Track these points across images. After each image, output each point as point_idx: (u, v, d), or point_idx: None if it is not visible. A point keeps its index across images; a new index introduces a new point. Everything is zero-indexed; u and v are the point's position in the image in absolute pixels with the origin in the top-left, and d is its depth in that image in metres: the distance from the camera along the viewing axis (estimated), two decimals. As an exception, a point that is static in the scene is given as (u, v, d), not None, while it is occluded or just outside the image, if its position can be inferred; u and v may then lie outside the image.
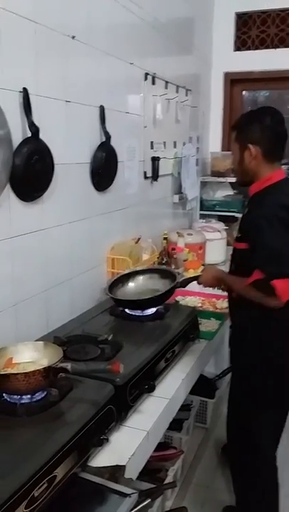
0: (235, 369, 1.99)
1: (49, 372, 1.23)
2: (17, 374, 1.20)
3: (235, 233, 3.50)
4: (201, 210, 3.95)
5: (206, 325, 2.14)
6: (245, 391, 1.88)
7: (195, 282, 2.07)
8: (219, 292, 2.17)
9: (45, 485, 1.05)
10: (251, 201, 1.83)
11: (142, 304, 1.93)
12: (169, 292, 1.98)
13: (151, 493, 1.72)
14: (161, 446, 1.94)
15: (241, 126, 1.82)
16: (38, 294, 1.82)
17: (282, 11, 3.82)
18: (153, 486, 1.80)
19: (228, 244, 3.44)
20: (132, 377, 1.43)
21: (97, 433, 1.25)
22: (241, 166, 1.82)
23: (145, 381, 1.49)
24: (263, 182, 1.78)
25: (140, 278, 2.18)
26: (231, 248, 3.35)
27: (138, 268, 2.25)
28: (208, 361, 2.12)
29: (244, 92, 4.27)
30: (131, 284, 2.15)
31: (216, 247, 3.24)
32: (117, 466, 1.27)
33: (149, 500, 1.64)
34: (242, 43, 3.99)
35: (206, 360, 2.07)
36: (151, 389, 1.50)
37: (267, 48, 3.91)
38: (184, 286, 2.09)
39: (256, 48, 3.95)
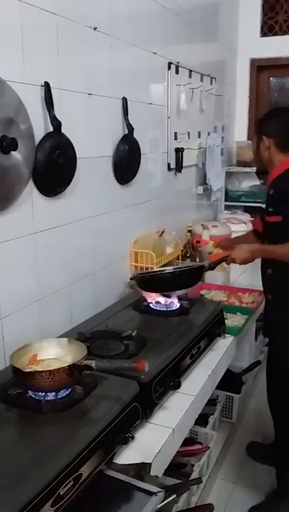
0: (278, 347, 2.04)
1: (73, 369, 1.22)
2: (42, 372, 1.20)
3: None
4: (226, 201, 3.89)
5: (232, 320, 2.11)
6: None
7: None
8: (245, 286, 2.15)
9: (71, 483, 1.05)
10: (276, 183, 1.94)
11: (170, 279, 1.90)
12: (198, 272, 1.98)
13: (177, 489, 1.72)
14: (187, 441, 1.92)
15: (261, 119, 2.05)
16: (61, 289, 1.81)
17: (310, -7, 3.70)
18: (179, 481, 1.80)
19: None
20: (157, 374, 1.42)
21: (122, 431, 1.24)
22: (259, 155, 2.03)
23: (170, 378, 1.48)
24: (282, 166, 1.94)
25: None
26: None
27: (162, 269, 2.21)
28: (234, 356, 2.09)
29: (271, 79, 4.16)
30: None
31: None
32: (142, 463, 1.26)
33: (175, 495, 1.64)
34: (269, 28, 3.89)
35: (232, 356, 2.04)
36: (177, 386, 1.48)
37: (295, 32, 3.80)
38: (213, 269, 2.09)
39: (284, 34, 3.85)
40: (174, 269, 1.99)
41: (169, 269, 2.01)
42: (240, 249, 1.96)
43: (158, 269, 2.09)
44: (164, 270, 1.98)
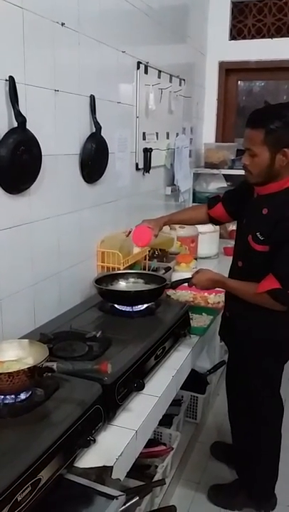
0: (235, 359, 2.03)
1: (34, 371, 1.19)
2: (1, 374, 1.16)
3: (229, 226, 3.51)
4: (193, 202, 3.90)
5: (198, 320, 2.11)
6: (252, 375, 1.94)
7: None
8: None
9: (29, 488, 1.02)
10: (274, 202, 1.72)
11: (130, 297, 1.89)
12: (160, 290, 1.95)
13: (140, 491, 1.71)
14: (151, 442, 1.91)
15: (275, 129, 1.63)
16: (25, 288, 1.77)
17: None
18: (141, 483, 1.79)
19: (221, 237, 3.42)
20: (121, 375, 1.40)
21: (83, 434, 1.22)
22: (268, 169, 1.69)
23: (134, 379, 1.47)
24: (286, 182, 1.72)
25: (129, 279, 2.16)
26: (224, 241, 3.37)
27: (127, 270, 2.22)
28: (199, 356, 2.10)
29: (239, 82, 4.21)
30: (121, 283, 2.12)
31: (209, 240, 3.20)
32: (104, 466, 1.24)
33: (137, 498, 1.63)
34: (238, 32, 3.93)
35: (197, 356, 2.04)
36: (141, 387, 1.47)
37: (263, 37, 3.87)
38: (174, 288, 2.07)
39: (252, 37, 3.90)
40: (135, 291, 1.98)
41: (129, 286, 2.03)
42: (203, 275, 1.89)
43: (117, 287, 2.10)
44: (123, 289, 1.99)
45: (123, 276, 2.15)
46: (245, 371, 1.96)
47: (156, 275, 2.17)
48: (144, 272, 2.31)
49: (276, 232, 1.66)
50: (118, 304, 1.92)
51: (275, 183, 1.72)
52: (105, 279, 2.08)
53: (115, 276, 2.14)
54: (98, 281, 2.02)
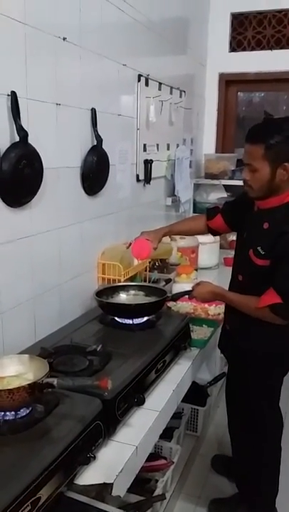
0: (235, 373, 2.02)
1: (34, 388, 1.19)
2: (1, 391, 1.16)
3: (229, 237, 3.51)
4: (194, 212, 3.91)
5: (198, 332, 2.11)
6: (254, 391, 1.91)
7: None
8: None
9: (29, 507, 1.01)
10: (275, 217, 1.71)
11: (132, 310, 1.89)
12: (160, 302, 1.95)
13: (140, 506, 1.70)
14: (151, 456, 1.89)
15: (275, 144, 1.63)
16: (25, 301, 1.77)
17: (279, 11, 3.79)
18: (142, 498, 1.77)
19: (222, 247, 3.42)
20: (121, 390, 1.40)
21: (83, 450, 1.21)
22: (269, 184, 1.68)
23: (134, 394, 1.46)
24: (286, 196, 1.72)
25: (129, 292, 2.15)
26: (224, 251, 3.36)
27: (127, 283, 2.22)
28: (200, 369, 2.09)
29: (239, 93, 4.23)
30: (122, 296, 2.12)
31: (209, 250, 3.20)
32: (104, 483, 1.23)
33: (138, 513, 1.61)
34: (237, 43, 3.96)
35: (197, 369, 2.04)
36: (141, 402, 1.47)
37: (263, 49, 3.89)
38: (175, 300, 2.06)
39: (252, 49, 3.92)
40: (136, 304, 1.97)
41: (129, 299, 2.03)
42: (204, 287, 1.89)
43: (118, 299, 2.10)
44: (124, 302, 1.97)
45: (124, 288, 2.15)
46: (245, 384, 1.95)
47: (156, 287, 2.17)
48: (144, 284, 2.30)
49: (277, 246, 1.65)
50: (119, 317, 1.91)
51: (275, 197, 1.72)
52: (106, 292, 2.08)
53: (116, 289, 2.14)
54: (99, 293, 2.02)
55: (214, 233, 2.19)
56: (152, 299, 2.02)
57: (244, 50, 3.95)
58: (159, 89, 2.89)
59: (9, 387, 1.17)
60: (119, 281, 2.24)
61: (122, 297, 2.12)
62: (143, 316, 1.91)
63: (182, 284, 2.61)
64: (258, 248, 1.72)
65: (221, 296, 1.87)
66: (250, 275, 1.81)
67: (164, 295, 1.99)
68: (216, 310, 2.35)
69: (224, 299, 1.89)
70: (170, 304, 2.40)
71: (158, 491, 1.87)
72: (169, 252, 2.83)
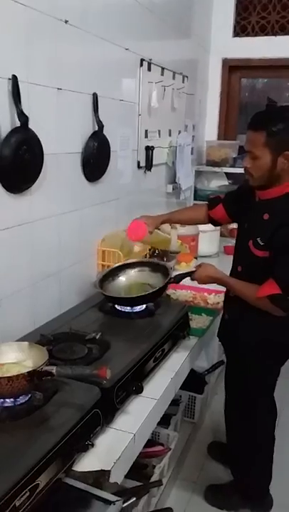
0: (233, 362, 2.03)
1: (33, 376, 1.19)
2: (0, 378, 1.16)
3: (229, 225, 3.50)
4: (195, 199, 3.89)
5: (197, 321, 2.11)
6: (250, 381, 1.93)
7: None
8: (212, 287, 2.12)
9: (27, 494, 1.02)
10: (275, 208, 1.71)
11: (133, 301, 1.89)
12: (163, 289, 1.94)
13: (137, 492, 1.71)
14: (148, 442, 1.91)
15: (277, 131, 1.61)
16: (25, 288, 1.77)
17: (284, -3, 3.73)
18: (139, 484, 1.79)
19: (222, 235, 3.41)
20: (120, 379, 1.40)
21: (82, 438, 1.22)
22: (270, 172, 1.67)
23: (133, 382, 1.46)
24: (286, 187, 1.71)
25: (131, 271, 2.12)
26: (224, 240, 3.35)
27: (128, 261, 2.20)
28: (198, 357, 2.10)
29: (242, 79, 4.18)
30: (122, 278, 2.10)
31: (209, 238, 3.19)
32: (101, 470, 1.24)
33: (134, 499, 1.63)
34: (241, 28, 3.90)
35: (196, 357, 2.04)
36: (139, 390, 1.47)
37: (267, 34, 3.82)
38: (178, 282, 2.05)
39: (256, 35, 3.86)
40: (138, 296, 1.91)
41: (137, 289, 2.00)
42: (205, 270, 1.88)
43: (121, 282, 2.07)
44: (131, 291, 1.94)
45: (128, 266, 2.12)
46: (241, 373, 1.96)
47: (159, 263, 2.13)
48: (148, 260, 2.25)
49: (276, 237, 1.65)
50: (120, 306, 1.91)
51: (276, 187, 1.71)
52: (112, 273, 2.07)
53: (121, 268, 2.11)
54: (105, 275, 2.02)
55: (215, 223, 2.17)
56: (158, 276, 2.00)
57: (248, 35, 3.89)
58: (162, 74, 2.85)
59: (8, 375, 1.17)
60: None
61: (129, 275, 2.09)
62: (146, 303, 1.90)
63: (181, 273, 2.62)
64: (258, 239, 1.71)
65: (221, 281, 1.87)
66: (249, 266, 1.81)
67: (167, 272, 1.97)
68: (216, 299, 2.36)
69: (224, 284, 1.88)
70: (169, 291, 2.40)
71: (155, 477, 1.89)
72: (167, 242, 2.81)
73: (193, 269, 1.94)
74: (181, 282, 2.04)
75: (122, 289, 2.04)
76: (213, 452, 2.46)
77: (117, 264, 2.14)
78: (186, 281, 2.10)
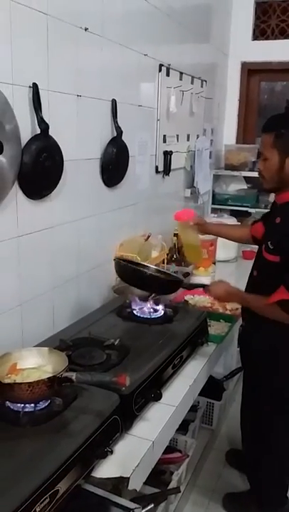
0: (249, 370, 2.00)
1: (53, 381, 1.20)
2: (21, 383, 1.17)
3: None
4: (213, 204, 3.89)
5: (216, 327, 2.10)
6: (264, 394, 1.88)
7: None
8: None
9: (48, 500, 1.03)
10: (283, 210, 1.73)
11: (146, 279, 1.86)
12: (174, 284, 1.93)
13: (155, 498, 1.71)
14: (166, 448, 1.90)
15: (284, 133, 1.65)
16: (45, 292, 1.79)
17: (304, -1, 3.70)
18: (157, 490, 1.79)
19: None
20: (139, 386, 1.40)
21: (101, 444, 1.22)
22: (279, 174, 1.69)
23: (152, 389, 1.46)
24: None
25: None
26: (243, 245, 3.33)
27: (146, 263, 2.19)
28: (217, 364, 2.08)
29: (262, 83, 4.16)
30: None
31: (228, 243, 3.14)
32: (120, 477, 1.24)
33: (152, 505, 1.63)
34: (261, 32, 3.88)
35: (214, 364, 2.03)
36: (158, 397, 1.47)
37: (287, 37, 3.81)
38: (190, 289, 2.04)
39: (275, 38, 3.85)
40: (155, 271, 1.94)
41: (148, 269, 1.99)
42: (220, 286, 1.86)
43: (139, 264, 2.04)
44: (142, 268, 1.93)
45: (144, 267, 2.07)
46: (255, 382, 1.93)
47: (174, 276, 2.11)
48: (164, 270, 2.24)
49: (283, 242, 1.64)
50: (130, 283, 1.90)
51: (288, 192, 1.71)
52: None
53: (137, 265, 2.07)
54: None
55: (256, 241, 2.07)
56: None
57: (267, 38, 3.88)
58: (180, 78, 2.85)
59: (29, 380, 1.18)
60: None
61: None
62: (154, 291, 1.89)
63: (200, 277, 2.61)
64: (268, 243, 1.71)
65: (237, 297, 1.86)
66: (262, 271, 1.80)
67: (181, 282, 1.96)
68: (234, 304, 2.34)
69: (239, 299, 1.87)
70: (187, 297, 2.40)
71: (173, 484, 1.88)
72: (199, 255, 2.54)
73: (208, 284, 1.92)
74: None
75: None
76: (231, 460, 2.43)
77: (134, 260, 2.13)
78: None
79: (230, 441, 2.58)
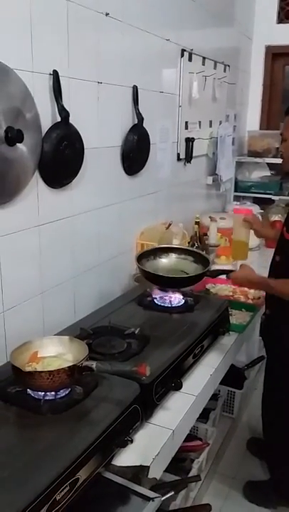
0: (274, 357, 1.99)
1: (74, 370, 1.20)
2: (41, 372, 1.18)
3: (272, 217, 3.43)
4: (235, 191, 3.83)
5: (237, 316, 2.08)
6: (285, 384, 1.89)
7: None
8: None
9: (68, 488, 1.04)
10: None
11: (166, 281, 1.85)
12: (197, 278, 1.90)
13: (175, 486, 1.72)
14: (187, 436, 1.90)
15: None
16: (66, 281, 1.79)
17: None
18: (177, 478, 1.79)
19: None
20: (159, 375, 1.40)
21: (121, 433, 1.22)
22: None
23: (172, 378, 1.46)
24: None
25: (173, 256, 2.07)
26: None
27: (172, 245, 2.16)
28: (238, 353, 2.06)
29: (286, 66, 4.05)
30: (163, 260, 2.05)
31: (250, 231, 3.12)
32: (140, 466, 1.25)
33: (173, 493, 1.64)
34: (286, 14, 3.77)
35: (236, 353, 2.01)
36: (179, 387, 1.46)
37: (312, 19, 3.69)
38: (214, 277, 2.02)
39: (301, 20, 3.73)
40: (171, 277, 1.89)
41: (176, 262, 2.00)
42: (244, 272, 1.84)
43: (159, 268, 2.01)
44: (163, 274, 1.90)
45: (172, 250, 2.08)
46: (282, 370, 1.92)
47: (203, 255, 2.06)
48: (192, 249, 2.20)
49: None
50: (152, 283, 1.89)
51: None
52: (154, 252, 2.03)
53: (164, 250, 2.07)
54: (148, 252, 2.00)
55: None
56: (198, 267, 1.96)
57: (293, 21, 3.76)
58: (203, 64, 2.80)
59: (50, 369, 1.19)
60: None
61: (170, 259, 2.06)
62: (177, 288, 1.89)
63: (222, 266, 2.58)
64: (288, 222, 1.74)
65: (259, 285, 1.86)
66: (285, 254, 1.80)
67: (208, 264, 1.92)
68: (256, 293, 2.31)
69: (263, 287, 1.86)
70: (208, 285, 2.38)
71: (193, 472, 1.89)
72: (244, 250, 2.42)
73: (232, 269, 1.90)
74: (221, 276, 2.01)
75: (160, 270, 1.97)
76: (253, 448, 2.43)
77: (160, 246, 2.12)
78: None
79: (252, 429, 2.57)
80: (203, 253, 2.11)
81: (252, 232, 2.27)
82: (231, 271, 1.89)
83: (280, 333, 1.88)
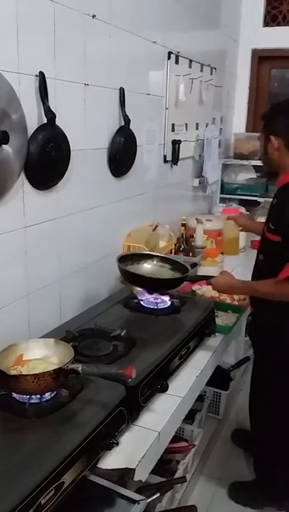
0: (261, 356, 2.02)
1: (59, 373, 1.20)
2: (26, 375, 1.17)
3: (258, 218, 3.46)
4: (221, 193, 3.85)
5: (223, 318, 2.09)
6: (276, 379, 1.90)
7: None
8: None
9: (53, 492, 1.03)
10: (280, 192, 1.81)
11: (145, 282, 1.86)
12: (176, 282, 1.92)
13: (161, 488, 1.72)
14: (172, 438, 1.91)
15: (267, 116, 1.85)
16: (51, 283, 1.79)
17: (317, -16, 3.62)
18: (162, 479, 1.80)
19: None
20: (145, 377, 1.40)
21: (107, 436, 1.22)
22: (266, 156, 1.85)
23: (158, 380, 1.46)
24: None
25: (153, 263, 2.08)
26: (251, 234, 3.31)
27: (152, 252, 2.17)
28: (224, 354, 2.08)
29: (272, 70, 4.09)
30: (145, 266, 2.06)
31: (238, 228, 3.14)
32: (126, 469, 1.25)
33: (158, 494, 1.64)
34: (272, 18, 3.80)
35: (221, 355, 2.03)
36: (164, 389, 1.46)
37: (298, 24, 3.73)
38: (193, 282, 2.04)
39: (287, 24, 3.77)
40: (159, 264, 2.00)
41: (154, 269, 2.03)
42: (225, 278, 1.85)
43: (141, 268, 2.04)
44: (143, 275, 1.92)
45: (150, 257, 2.09)
46: (269, 370, 1.94)
47: (181, 264, 2.06)
48: (171, 257, 2.21)
49: (281, 220, 1.71)
50: (133, 284, 1.91)
51: (283, 174, 1.80)
52: (134, 257, 2.05)
53: (142, 257, 2.08)
54: (127, 256, 2.01)
55: None
56: (175, 274, 1.98)
57: (279, 24, 3.80)
58: (190, 66, 2.81)
59: (35, 372, 1.18)
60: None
61: (146, 267, 2.06)
62: (158, 291, 1.90)
63: (208, 268, 2.59)
64: (270, 224, 1.77)
65: (239, 289, 1.88)
66: (267, 253, 1.84)
67: (186, 272, 1.93)
68: (242, 295, 2.32)
69: (244, 290, 1.91)
70: (195, 287, 2.38)
71: (179, 473, 1.90)
72: (235, 245, 2.58)
73: (212, 275, 1.91)
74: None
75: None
76: (236, 439, 2.46)
77: (139, 251, 2.14)
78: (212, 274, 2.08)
79: (236, 425, 2.58)
80: (183, 262, 2.12)
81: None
82: (211, 277, 1.89)
83: (267, 332, 1.90)
